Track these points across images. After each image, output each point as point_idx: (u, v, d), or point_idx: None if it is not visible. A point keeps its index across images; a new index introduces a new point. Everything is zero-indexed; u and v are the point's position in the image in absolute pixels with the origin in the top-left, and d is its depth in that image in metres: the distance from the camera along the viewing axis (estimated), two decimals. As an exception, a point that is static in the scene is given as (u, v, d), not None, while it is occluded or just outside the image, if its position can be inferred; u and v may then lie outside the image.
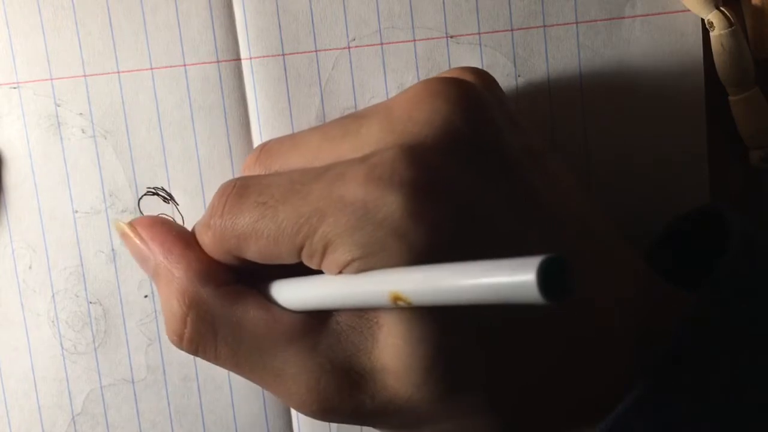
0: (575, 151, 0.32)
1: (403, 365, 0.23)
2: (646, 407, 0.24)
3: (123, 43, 0.32)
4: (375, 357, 0.23)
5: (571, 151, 0.32)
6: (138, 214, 0.33)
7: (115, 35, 0.32)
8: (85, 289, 0.33)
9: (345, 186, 0.23)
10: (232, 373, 0.33)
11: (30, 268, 0.33)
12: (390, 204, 0.22)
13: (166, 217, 0.28)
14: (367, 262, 0.22)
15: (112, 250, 0.33)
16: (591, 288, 0.24)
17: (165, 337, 0.33)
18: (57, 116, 0.32)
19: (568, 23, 0.31)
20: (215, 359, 0.26)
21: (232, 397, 0.34)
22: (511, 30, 0.31)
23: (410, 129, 0.24)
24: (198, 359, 0.33)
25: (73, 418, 0.34)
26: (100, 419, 0.34)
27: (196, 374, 0.33)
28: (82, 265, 0.33)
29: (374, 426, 0.26)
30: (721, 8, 0.30)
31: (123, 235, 0.28)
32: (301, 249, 0.23)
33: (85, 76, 0.32)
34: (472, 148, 0.24)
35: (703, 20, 0.31)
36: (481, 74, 0.27)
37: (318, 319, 0.24)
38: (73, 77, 0.32)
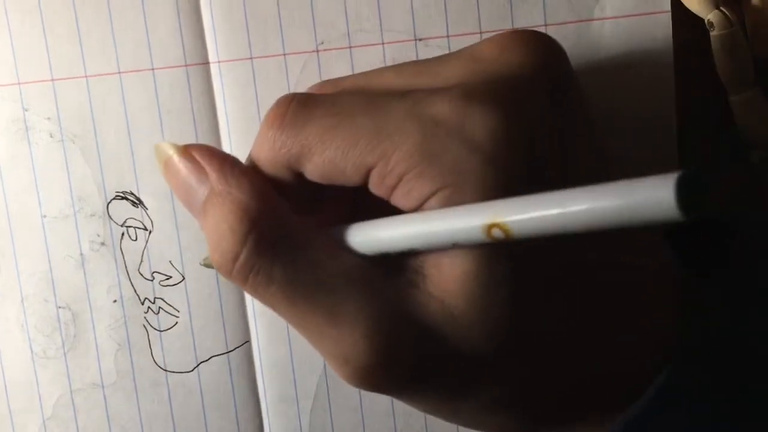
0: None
1: (473, 306, 0.22)
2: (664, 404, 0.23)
3: (91, 47, 0.32)
4: (444, 303, 0.22)
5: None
6: (107, 219, 0.33)
7: (82, 39, 0.32)
8: (54, 294, 0.33)
9: (437, 105, 0.21)
10: (202, 379, 0.33)
11: (-1, 272, 0.33)
12: (488, 124, 0.21)
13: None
14: (456, 190, 0.21)
15: (81, 254, 0.33)
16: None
17: (134, 342, 0.33)
18: (25, 120, 0.32)
19: (536, 25, 0.31)
20: (266, 288, 0.23)
21: (203, 403, 0.33)
22: (480, 32, 0.31)
23: (498, 69, 0.23)
24: (170, 366, 0.33)
25: (43, 422, 0.34)
26: (71, 424, 0.34)
27: (167, 380, 0.33)
28: (50, 269, 0.33)
29: (424, 393, 0.24)
30: (721, 8, 0.30)
31: (167, 162, 0.25)
32: (370, 168, 0.22)
33: (53, 80, 0.32)
34: (556, 92, 0.24)
35: (702, 20, 0.30)
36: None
37: (386, 267, 0.23)
38: (40, 81, 0.32)
